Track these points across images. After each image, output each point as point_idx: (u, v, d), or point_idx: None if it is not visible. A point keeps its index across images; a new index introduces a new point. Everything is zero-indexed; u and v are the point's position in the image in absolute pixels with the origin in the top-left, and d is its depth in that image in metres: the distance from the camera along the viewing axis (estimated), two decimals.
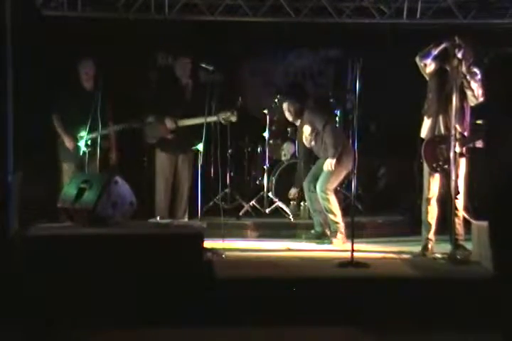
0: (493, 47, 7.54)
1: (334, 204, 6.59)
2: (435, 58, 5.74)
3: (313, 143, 6.78)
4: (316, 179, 6.70)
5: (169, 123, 6.80)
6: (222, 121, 6.81)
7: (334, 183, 6.64)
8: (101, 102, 6.23)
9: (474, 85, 5.65)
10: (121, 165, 6.79)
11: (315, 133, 6.73)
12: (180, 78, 6.92)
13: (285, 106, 7.00)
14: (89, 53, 6.79)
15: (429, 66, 5.77)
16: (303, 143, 6.93)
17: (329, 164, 6.53)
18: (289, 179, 7.75)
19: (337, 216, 6.58)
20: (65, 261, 4.65)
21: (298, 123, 6.99)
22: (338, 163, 6.56)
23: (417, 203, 6.14)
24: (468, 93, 5.68)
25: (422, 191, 5.93)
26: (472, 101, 5.73)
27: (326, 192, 6.56)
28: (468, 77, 5.62)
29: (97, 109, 6.22)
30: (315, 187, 6.68)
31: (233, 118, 6.83)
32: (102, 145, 6.37)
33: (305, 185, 6.86)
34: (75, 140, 6.56)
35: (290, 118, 7.02)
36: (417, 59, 5.79)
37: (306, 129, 6.81)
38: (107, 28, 7.48)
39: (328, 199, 6.58)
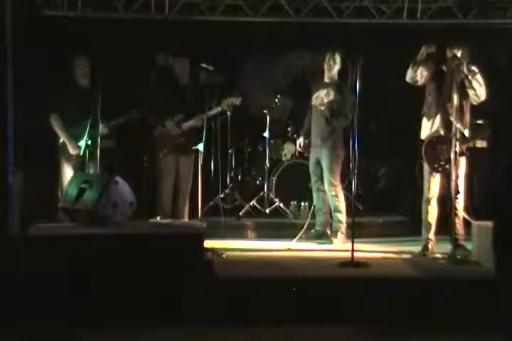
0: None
1: (342, 202, 6.65)
2: (422, 65, 5.74)
3: (326, 101, 6.70)
4: (320, 177, 6.73)
5: (171, 126, 6.80)
6: (226, 108, 6.81)
7: (338, 173, 6.68)
8: (100, 101, 6.24)
9: (476, 84, 5.65)
10: (121, 165, 6.79)
11: (332, 101, 6.68)
12: (180, 79, 6.92)
13: (336, 58, 6.75)
14: (87, 51, 6.78)
15: (421, 79, 5.77)
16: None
17: None
18: (290, 179, 7.77)
19: (343, 215, 6.61)
20: (65, 261, 4.64)
21: (327, 79, 6.81)
22: (335, 150, 6.63)
23: (417, 203, 6.14)
24: (470, 92, 5.68)
25: (423, 191, 5.93)
26: (475, 101, 5.73)
27: (335, 187, 6.62)
28: (469, 76, 5.62)
29: (97, 107, 6.23)
30: (322, 186, 6.74)
31: (237, 102, 6.83)
32: (101, 144, 6.38)
33: (313, 184, 6.87)
34: (77, 141, 6.52)
35: (327, 70, 6.77)
36: (408, 78, 5.81)
37: (331, 93, 6.71)
38: (107, 28, 7.47)
39: (337, 196, 6.63)
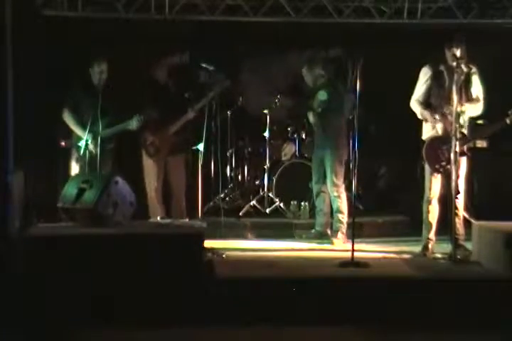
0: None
1: (345, 203, 6.64)
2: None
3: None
4: (324, 177, 6.73)
5: (144, 134, 6.79)
6: (218, 91, 6.78)
7: (341, 173, 6.68)
8: (100, 101, 6.26)
9: (475, 90, 5.63)
10: (122, 165, 6.78)
11: (324, 101, 6.69)
12: (159, 78, 6.88)
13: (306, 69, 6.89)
14: (100, 53, 6.76)
15: None
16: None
17: None
18: (290, 179, 7.76)
19: (345, 216, 6.60)
20: (65, 261, 4.65)
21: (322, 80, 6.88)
22: (339, 150, 6.62)
23: (418, 203, 6.13)
24: (470, 106, 5.65)
25: (423, 191, 5.93)
26: (473, 114, 5.71)
27: (338, 188, 6.62)
28: (471, 88, 5.60)
29: (97, 107, 6.24)
30: (323, 187, 6.74)
31: (227, 83, 6.82)
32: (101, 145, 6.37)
33: (314, 185, 6.86)
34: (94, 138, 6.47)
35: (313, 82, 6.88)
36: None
37: (323, 94, 6.74)
38: (107, 28, 7.47)
39: (340, 197, 6.63)
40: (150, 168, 6.81)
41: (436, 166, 5.73)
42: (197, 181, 6.46)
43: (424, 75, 5.83)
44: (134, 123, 6.49)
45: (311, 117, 6.81)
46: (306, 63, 7.02)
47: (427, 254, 5.81)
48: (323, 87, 6.80)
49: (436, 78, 5.77)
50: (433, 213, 5.84)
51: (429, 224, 5.86)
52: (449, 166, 5.61)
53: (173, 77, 6.93)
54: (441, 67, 5.73)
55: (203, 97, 6.62)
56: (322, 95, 6.72)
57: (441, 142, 5.71)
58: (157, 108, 6.68)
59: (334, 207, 6.69)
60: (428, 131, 5.85)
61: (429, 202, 5.84)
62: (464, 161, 5.70)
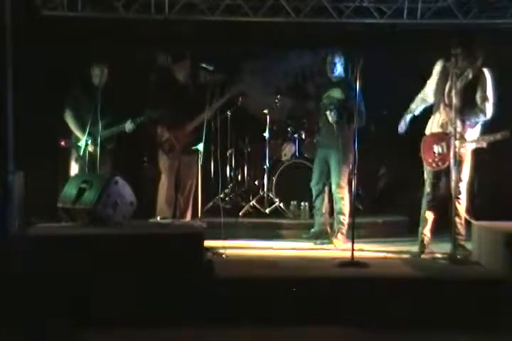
0: None
1: (347, 205, 6.57)
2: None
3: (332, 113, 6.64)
4: (325, 178, 6.70)
5: (160, 131, 6.80)
6: (235, 94, 6.80)
7: (346, 175, 6.60)
8: (100, 101, 6.25)
9: (478, 96, 5.60)
10: (122, 165, 6.78)
11: (340, 99, 6.63)
12: (179, 79, 6.88)
13: (335, 59, 6.70)
14: (100, 54, 6.76)
15: None
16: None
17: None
18: (290, 179, 7.76)
19: (346, 218, 6.57)
20: (65, 261, 4.64)
21: (333, 79, 6.78)
22: (346, 151, 6.50)
23: (418, 203, 6.12)
24: (477, 110, 5.62)
25: (423, 189, 5.93)
26: (479, 118, 5.68)
27: (342, 189, 6.56)
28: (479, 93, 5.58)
29: (97, 107, 6.23)
30: (323, 187, 6.72)
31: (246, 86, 6.82)
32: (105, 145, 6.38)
33: (314, 184, 6.83)
34: (94, 139, 6.45)
35: (329, 71, 6.72)
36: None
37: (339, 92, 6.68)
38: (107, 28, 7.48)
39: (343, 199, 6.58)
40: (164, 165, 6.81)
41: (430, 160, 5.75)
42: (197, 181, 6.47)
43: (435, 69, 5.82)
44: (128, 126, 6.48)
45: (331, 115, 6.59)
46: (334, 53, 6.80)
47: (424, 251, 5.80)
48: (338, 85, 6.71)
49: (442, 73, 5.75)
50: (430, 210, 5.84)
51: (425, 220, 5.86)
52: (440, 163, 5.63)
53: (194, 78, 6.94)
54: (448, 64, 5.69)
55: (219, 98, 6.63)
56: (339, 93, 6.65)
57: (438, 138, 5.71)
58: (175, 106, 6.66)
59: (337, 208, 6.64)
60: (431, 126, 5.84)
61: (428, 199, 5.84)
62: (467, 162, 5.68)
